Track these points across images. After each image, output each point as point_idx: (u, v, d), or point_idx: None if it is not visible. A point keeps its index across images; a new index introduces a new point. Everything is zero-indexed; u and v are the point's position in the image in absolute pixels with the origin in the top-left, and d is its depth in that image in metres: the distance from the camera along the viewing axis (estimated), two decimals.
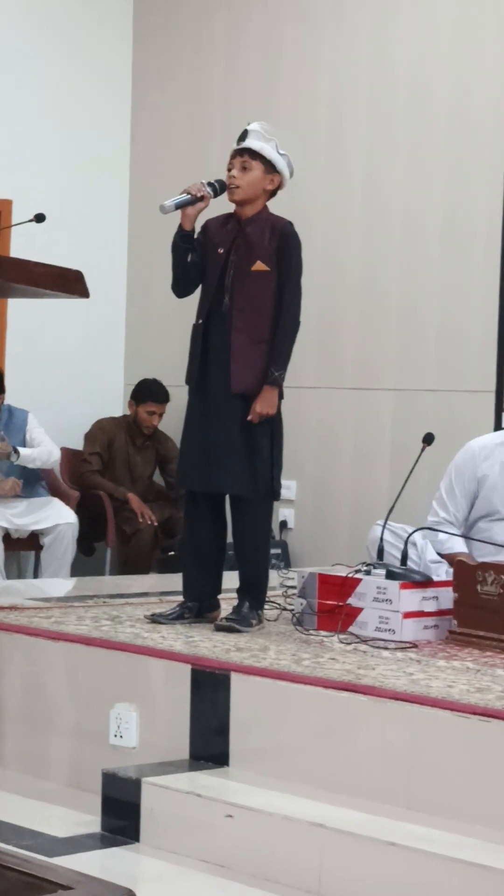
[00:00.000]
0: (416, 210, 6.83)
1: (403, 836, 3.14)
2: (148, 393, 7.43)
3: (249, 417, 4.38)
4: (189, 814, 3.46)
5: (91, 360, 7.89)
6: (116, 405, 7.84)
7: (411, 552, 4.70)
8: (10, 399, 7.01)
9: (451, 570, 4.78)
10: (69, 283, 4.71)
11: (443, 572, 4.74)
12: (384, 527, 4.77)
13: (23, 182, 7.48)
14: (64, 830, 3.62)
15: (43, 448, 6.91)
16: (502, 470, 5.15)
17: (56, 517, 6.78)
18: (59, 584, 6.24)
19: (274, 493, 4.47)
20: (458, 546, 5.04)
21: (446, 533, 5.00)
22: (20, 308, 7.25)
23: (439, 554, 5.02)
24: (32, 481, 6.97)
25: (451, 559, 4.99)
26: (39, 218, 6.04)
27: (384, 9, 6.96)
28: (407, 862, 3.06)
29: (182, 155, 7.74)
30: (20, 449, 6.81)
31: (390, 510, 4.82)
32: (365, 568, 4.45)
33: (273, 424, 4.45)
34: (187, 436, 4.54)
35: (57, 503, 6.89)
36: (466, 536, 5.13)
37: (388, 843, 3.10)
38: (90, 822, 3.67)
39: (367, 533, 5.48)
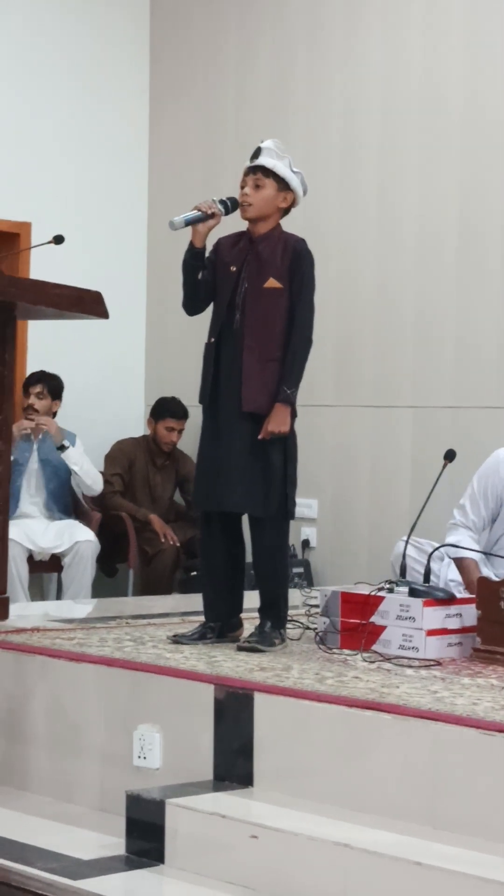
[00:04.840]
0: (431, 225, 6.82)
1: (429, 855, 3.12)
2: (166, 409, 7.45)
3: (261, 435, 4.36)
4: (213, 835, 3.45)
5: (111, 382, 7.90)
6: (137, 426, 7.84)
7: (433, 565, 4.68)
8: None
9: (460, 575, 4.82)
10: (88, 304, 4.72)
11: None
12: (406, 543, 4.76)
13: (41, 204, 7.51)
14: (89, 853, 3.61)
15: (94, 473, 7.01)
16: None
17: (74, 536, 6.81)
18: (81, 605, 6.24)
19: (288, 511, 4.44)
20: (468, 550, 5.05)
21: (465, 549, 4.99)
22: (41, 330, 7.26)
23: (452, 559, 5.03)
24: (57, 504, 7.00)
25: (458, 562, 5.02)
26: (58, 239, 6.06)
27: (395, 25, 6.97)
28: (433, 882, 3.04)
29: (198, 173, 7.76)
30: (71, 448, 6.89)
31: (412, 527, 4.80)
32: (388, 586, 4.44)
33: (286, 442, 4.42)
34: (201, 455, 4.53)
35: (76, 524, 6.93)
36: (487, 553, 5.12)
37: (414, 863, 3.08)
38: (115, 844, 3.66)
39: (391, 549, 5.48)
